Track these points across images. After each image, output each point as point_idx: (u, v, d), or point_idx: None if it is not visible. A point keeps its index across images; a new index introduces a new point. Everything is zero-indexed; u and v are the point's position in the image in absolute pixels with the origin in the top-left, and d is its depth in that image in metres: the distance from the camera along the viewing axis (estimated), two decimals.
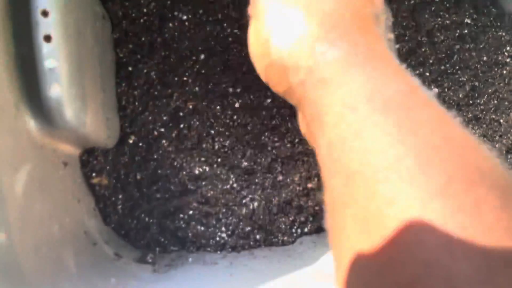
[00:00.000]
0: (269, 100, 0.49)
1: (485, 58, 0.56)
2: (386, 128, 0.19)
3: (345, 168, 0.20)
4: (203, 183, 0.46)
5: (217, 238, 0.46)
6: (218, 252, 0.45)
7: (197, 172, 0.47)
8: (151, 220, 0.46)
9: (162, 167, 0.46)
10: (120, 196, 0.45)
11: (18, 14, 0.30)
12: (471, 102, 0.55)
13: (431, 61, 0.55)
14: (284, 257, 0.43)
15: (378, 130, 0.19)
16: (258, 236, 0.46)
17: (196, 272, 0.39)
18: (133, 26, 0.48)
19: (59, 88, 0.30)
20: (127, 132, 0.46)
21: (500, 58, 0.56)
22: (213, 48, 0.49)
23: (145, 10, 0.48)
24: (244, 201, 0.47)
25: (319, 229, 0.48)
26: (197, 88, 0.49)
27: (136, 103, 0.46)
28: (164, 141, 0.47)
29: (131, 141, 0.46)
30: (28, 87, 0.30)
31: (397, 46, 0.53)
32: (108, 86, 0.42)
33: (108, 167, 0.44)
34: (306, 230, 0.48)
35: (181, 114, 0.48)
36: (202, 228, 0.46)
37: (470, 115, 0.55)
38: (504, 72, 0.56)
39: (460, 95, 0.55)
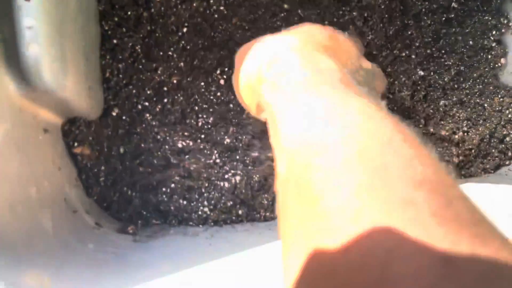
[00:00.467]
0: None
1: (471, 43, 0.56)
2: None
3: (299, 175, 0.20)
4: (186, 157, 0.46)
5: (199, 212, 0.46)
6: (200, 226, 0.45)
7: (180, 146, 0.47)
8: (133, 194, 0.46)
9: (145, 140, 0.46)
10: (103, 168, 0.45)
11: None
12: (456, 86, 0.56)
13: (417, 44, 0.55)
14: (265, 230, 0.43)
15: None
16: (240, 211, 0.46)
17: (176, 242, 0.39)
18: (119, 0, 0.48)
19: (37, 47, 0.30)
20: (111, 105, 0.46)
21: (486, 42, 0.56)
22: (199, 24, 0.49)
23: None
24: (226, 176, 0.47)
25: None
26: (182, 64, 0.48)
27: (120, 76, 0.46)
28: (147, 115, 0.47)
29: (114, 114, 0.46)
30: (7, 47, 0.30)
31: (382, 26, 0.54)
32: (91, 56, 0.42)
33: (90, 138, 0.44)
34: None
35: (165, 88, 0.48)
36: (185, 202, 0.46)
37: (455, 98, 0.55)
38: (489, 56, 0.56)
39: (446, 79, 0.55)
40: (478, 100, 0.56)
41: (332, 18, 0.52)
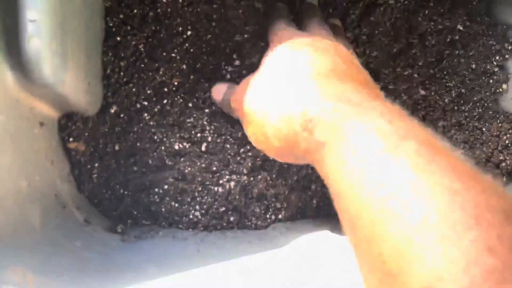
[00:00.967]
0: None
1: (473, 66, 0.56)
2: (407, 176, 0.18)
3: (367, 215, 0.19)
4: (182, 159, 0.46)
5: (190, 216, 0.46)
6: (190, 230, 0.45)
7: (176, 148, 0.46)
8: (125, 192, 0.45)
9: (142, 140, 0.46)
10: (97, 165, 0.44)
11: None
12: (456, 108, 0.56)
13: (420, 63, 0.55)
14: (255, 239, 0.43)
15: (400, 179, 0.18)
16: (231, 218, 0.46)
17: (165, 245, 0.39)
18: None
19: (39, 41, 0.30)
20: (110, 102, 0.45)
21: (488, 67, 0.56)
22: (205, 28, 0.49)
23: None
24: (221, 181, 0.47)
25: (293, 217, 0.49)
26: (184, 66, 0.48)
27: (121, 74, 0.46)
28: (146, 114, 0.46)
29: (112, 111, 0.45)
30: (8, 38, 0.30)
31: (387, 43, 0.54)
32: (93, 52, 0.42)
33: (86, 134, 0.43)
34: (280, 216, 0.48)
35: (165, 89, 0.47)
36: (176, 205, 0.46)
37: (454, 120, 0.55)
38: (491, 81, 0.56)
39: (446, 100, 0.56)
40: (476, 124, 0.56)
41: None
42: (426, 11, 0.56)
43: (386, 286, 0.17)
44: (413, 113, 0.54)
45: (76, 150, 0.42)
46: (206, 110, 0.48)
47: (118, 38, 0.46)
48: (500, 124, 0.56)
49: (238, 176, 0.47)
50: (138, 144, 0.46)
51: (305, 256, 0.39)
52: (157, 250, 0.37)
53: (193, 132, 0.47)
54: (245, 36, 0.50)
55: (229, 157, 0.47)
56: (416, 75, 0.55)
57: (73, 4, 0.35)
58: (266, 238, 0.44)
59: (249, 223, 0.47)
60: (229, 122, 0.48)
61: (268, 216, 0.48)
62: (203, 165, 0.46)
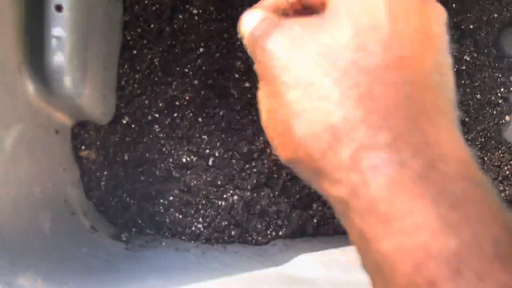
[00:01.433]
0: None
1: (478, 96, 0.57)
2: None
3: None
4: (188, 172, 0.48)
5: (193, 228, 0.47)
6: (192, 241, 0.46)
7: (184, 160, 0.48)
8: (132, 201, 0.47)
9: (151, 151, 0.47)
10: (106, 173, 0.46)
11: None
12: None
13: None
14: (255, 255, 0.44)
15: None
16: (233, 232, 0.47)
17: (167, 256, 0.40)
18: (144, 12, 0.49)
19: (62, 56, 0.31)
20: (122, 112, 0.47)
21: (493, 98, 0.58)
22: (218, 45, 0.50)
23: None
24: (225, 195, 0.48)
25: (294, 234, 0.50)
26: (196, 81, 0.50)
27: (135, 86, 0.47)
28: (156, 126, 0.48)
29: (124, 122, 0.47)
30: (33, 52, 0.32)
31: None
32: (110, 65, 0.43)
33: (98, 143, 0.45)
34: (280, 233, 0.49)
35: (177, 103, 0.49)
36: (180, 216, 0.47)
37: None
38: (495, 112, 0.58)
39: None
40: (478, 153, 0.57)
41: None
42: None
43: None
44: None
45: (87, 158, 0.43)
46: (215, 126, 0.49)
47: (135, 51, 0.48)
48: (502, 155, 0.57)
49: (242, 192, 0.48)
50: (147, 154, 0.47)
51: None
52: (160, 261, 0.39)
53: (201, 146, 0.49)
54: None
55: (234, 172, 0.49)
56: None
57: (95, 19, 0.37)
58: (266, 255, 0.45)
59: (250, 238, 0.48)
60: (238, 138, 0.49)
61: (269, 232, 0.49)
62: (209, 179, 0.48)
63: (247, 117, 0.50)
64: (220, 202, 0.48)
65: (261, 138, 0.50)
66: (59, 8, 0.31)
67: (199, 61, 0.50)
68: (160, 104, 0.48)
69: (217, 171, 0.48)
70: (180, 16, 0.50)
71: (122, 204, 0.46)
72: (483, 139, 0.57)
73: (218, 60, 0.51)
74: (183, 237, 0.46)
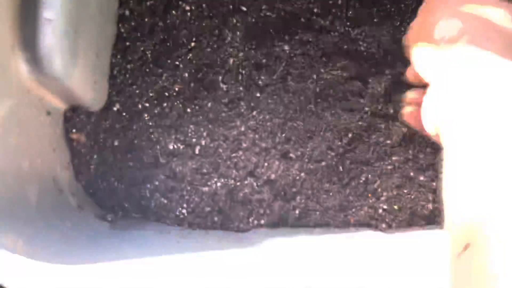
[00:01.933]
0: (255, 112, 0.53)
1: None
2: None
3: None
4: (175, 159, 0.50)
5: (177, 213, 0.49)
6: (176, 225, 0.48)
7: (171, 148, 0.50)
8: (119, 185, 0.49)
9: (139, 138, 0.49)
10: (95, 157, 0.48)
11: None
12: None
13: None
14: (235, 240, 0.46)
15: None
16: (215, 218, 0.49)
17: (149, 236, 0.42)
18: (139, 7, 0.52)
19: (53, 38, 0.34)
20: (113, 100, 0.49)
21: None
22: (209, 41, 0.53)
23: None
24: (209, 182, 0.50)
25: (275, 224, 0.51)
26: (186, 74, 0.52)
27: (127, 76, 0.50)
28: (146, 115, 0.50)
29: (115, 109, 0.49)
30: (26, 33, 0.34)
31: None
32: (103, 53, 0.46)
33: (89, 127, 0.47)
34: (262, 222, 0.51)
35: (166, 94, 0.51)
36: (165, 201, 0.49)
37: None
38: None
39: None
40: None
41: None
42: None
43: None
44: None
45: (77, 141, 0.45)
46: (203, 117, 0.51)
47: (128, 43, 0.50)
48: None
49: (226, 180, 0.50)
50: (136, 141, 0.49)
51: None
52: (141, 240, 0.40)
53: (188, 135, 0.51)
54: (239, 55, 0.54)
55: (219, 161, 0.51)
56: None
57: (87, 10, 0.40)
58: (245, 240, 0.47)
59: (232, 225, 0.50)
60: (224, 129, 0.51)
61: (250, 220, 0.50)
62: (194, 166, 0.50)
63: (235, 110, 0.53)
64: (203, 189, 0.49)
65: (248, 131, 0.52)
66: None
67: (190, 55, 0.53)
68: (151, 94, 0.51)
69: (203, 160, 0.50)
70: (173, 12, 0.53)
71: (110, 188, 0.48)
72: None
73: (208, 55, 0.53)
74: (167, 221, 0.48)
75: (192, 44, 0.52)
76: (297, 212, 0.53)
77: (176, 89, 0.52)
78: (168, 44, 0.52)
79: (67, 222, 0.38)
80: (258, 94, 0.53)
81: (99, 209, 0.46)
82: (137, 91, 0.50)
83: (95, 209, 0.45)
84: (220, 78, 0.53)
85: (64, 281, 0.27)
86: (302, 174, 0.53)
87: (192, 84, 0.52)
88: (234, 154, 0.51)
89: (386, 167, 0.54)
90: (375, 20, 0.57)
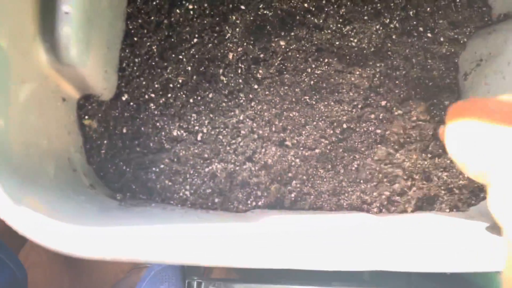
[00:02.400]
0: (253, 103, 0.57)
1: None
2: None
3: None
4: (178, 144, 0.54)
5: (181, 194, 0.52)
6: (179, 206, 0.52)
7: (175, 134, 0.54)
8: (127, 169, 0.53)
9: (146, 125, 0.54)
10: (106, 143, 0.52)
11: None
12: None
13: None
14: (233, 218, 0.49)
15: None
16: (216, 199, 0.53)
17: (155, 211, 0.46)
18: (146, 6, 0.56)
19: (69, 29, 0.38)
20: (122, 91, 0.53)
21: None
22: (210, 37, 0.57)
23: None
24: (210, 166, 0.54)
25: (271, 206, 0.55)
26: (189, 68, 0.56)
27: (135, 68, 0.54)
28: (152, 104, 0.54)
29: (124, 99, 0.53)
30: (46, 24, 0.38)
31: None
32: (113, 47, 0.50)
33: (99, 115, 0.51)
34: (260, 203, 0.54)
35: (171, 85, 0.55)
36: (170, 183, 0.53)
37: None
38: None
39: None
40: None
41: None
42: None
43: None
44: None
45: (89, 126, 0.50)
46: (204, 106, 0.55)
47: (135, 39, 0.55)
48: None
49: (226, 164, 0.54)
50: (143, 128, 0.54)
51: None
52: (148, 212, 0.44)
53: (191, 123, 0.55)
54: (238, 50, 0.58)
55: (220, 147, 0.55)
56: None
57: (99, 6, 0.44)
58: (244, 220, 0.50)
59: (232, 206, 0.53)
60: (225, 117, 0.55)
61: (249, 202, 0.54)
62: (196, 151, 0.54)
63: (234, 100, 0.57)
64: (205, 172, 0.53)
65: (247, 119, 0.56)
66: None
67: (193, 50, 0.57)
68: (156, 86, 0.55)
69: (204, 146, 0.54)
70: (177, 11, 0.57)
71: (119, 171, 0.52)
72: None
73: (209, 50, 0.57)
74: (172, 202, 0.52)
75: (195, 40, 0.57)
76: (292, 195, 0.57)
77: (180, 81, 0.56)
78: (172, 40, 0.56)
79: (81, 196, 0.42)
80: (256, 86, 0.58)
81: (109, 190, 0.50)
82: (144, 83, 0.54)
83: (105, 190, 0.49)
84: (220, 71, 0.57)
85: (79, 239, 0.31)
86: (297, 160, 0.57)
87: (194, 77, 0.56)
88: (233, 141, 0.55)
89: (376, 155, 0.58)
90: (365, 17, 0.61)
